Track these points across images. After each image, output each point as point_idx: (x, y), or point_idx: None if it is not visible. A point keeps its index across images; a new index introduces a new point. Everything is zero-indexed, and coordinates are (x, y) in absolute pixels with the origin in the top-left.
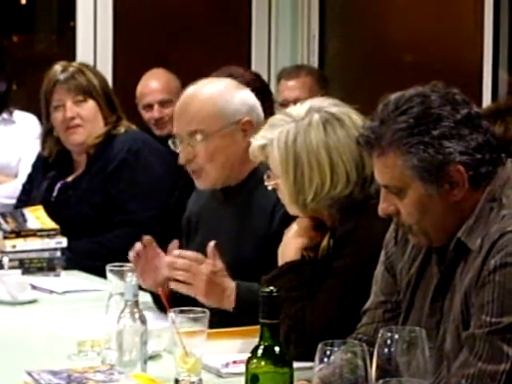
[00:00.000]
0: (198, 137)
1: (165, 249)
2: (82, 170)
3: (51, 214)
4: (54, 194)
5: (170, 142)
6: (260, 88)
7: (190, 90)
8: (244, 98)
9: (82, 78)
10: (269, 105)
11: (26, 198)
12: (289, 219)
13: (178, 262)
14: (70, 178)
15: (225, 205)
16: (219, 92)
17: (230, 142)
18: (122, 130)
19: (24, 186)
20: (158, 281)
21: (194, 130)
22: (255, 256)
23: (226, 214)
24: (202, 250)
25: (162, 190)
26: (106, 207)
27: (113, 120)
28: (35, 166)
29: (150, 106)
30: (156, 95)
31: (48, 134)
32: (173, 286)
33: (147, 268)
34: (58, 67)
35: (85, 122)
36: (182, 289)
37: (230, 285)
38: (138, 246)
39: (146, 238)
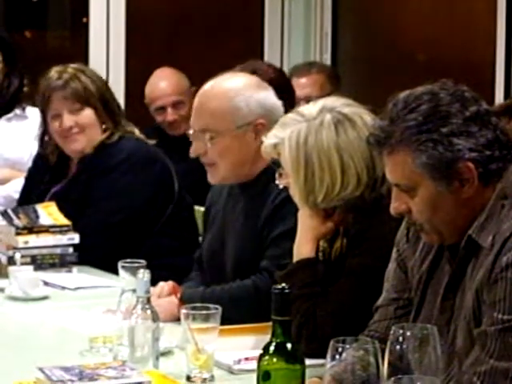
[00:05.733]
0: (208, 135)
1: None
2: (71, 176)
3: None
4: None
5: (189, 133)
6: (283, 85)
7: (210, 84)
8: (262, 98)
9: (77, 85)
10: (290, 102)
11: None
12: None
13: None
14: (59, 186)
15: (239, 199)
16: (236, 90)
17: (239, 143)
18: (115, 137)
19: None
20: None
21: (205, 127)
22: (256, 252)
23: (237, 209)
24: (213, 241)
25: (138, 199)
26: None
27: (110, 126)
28: (36, 163)
29: (162, 109)
30: (168, 98)
31: (47, 136)
32: None
33: None
34: (53, 74)
35: (83, 129)
36: None
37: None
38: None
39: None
